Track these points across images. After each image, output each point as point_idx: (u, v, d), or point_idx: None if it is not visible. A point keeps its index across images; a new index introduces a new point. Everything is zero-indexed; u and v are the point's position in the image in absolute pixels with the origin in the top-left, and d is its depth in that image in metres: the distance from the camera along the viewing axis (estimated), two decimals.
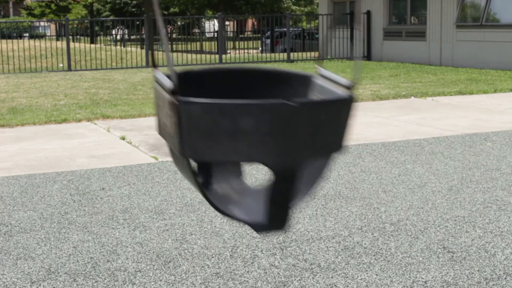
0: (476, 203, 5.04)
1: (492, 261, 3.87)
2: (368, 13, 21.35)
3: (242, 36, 36.84)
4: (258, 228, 1.82)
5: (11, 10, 61.51)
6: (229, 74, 2.01)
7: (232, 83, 1.99)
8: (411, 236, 4.32)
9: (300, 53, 23.38)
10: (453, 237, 4.28)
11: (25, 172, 6.32)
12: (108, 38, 32.88)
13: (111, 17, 40.59)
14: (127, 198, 5.34)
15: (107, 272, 3.79)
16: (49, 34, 37.02)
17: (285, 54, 21.84)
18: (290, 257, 3.97)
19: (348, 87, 1.79)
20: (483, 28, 17.52)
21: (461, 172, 6.05)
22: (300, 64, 20.23)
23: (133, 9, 44.38)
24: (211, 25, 45.90)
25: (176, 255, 4.03)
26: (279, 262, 3.88)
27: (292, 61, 20.94)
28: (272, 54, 25.77)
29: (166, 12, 43.78)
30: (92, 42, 26.65)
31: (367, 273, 3.71)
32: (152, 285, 3.60)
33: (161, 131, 1.75)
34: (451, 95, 11.96)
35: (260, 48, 30.66)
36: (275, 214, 1.79)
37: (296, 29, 33.84)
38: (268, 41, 31.83)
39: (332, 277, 3.66)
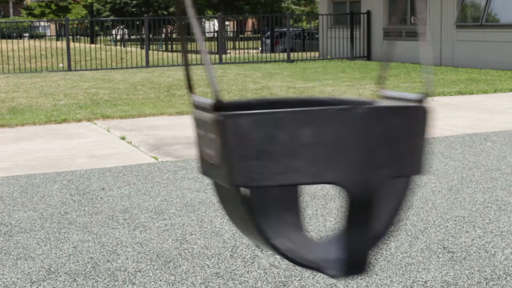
0: (476, 203, 5.04)
1: (492, 261, 3.87)
2: (368, 13, 21.34)
3: (242, 36, 36.84)
4: (335, 272, 1.57)
5: (11, 10, 61.52)
6: (281, 104, 1.69)
7: None
8: (411, 236, 4.32)
9: (300, 53, 23.38)
10: (453, 237, 4.28)
11: (25, 172, 6.32)
12: (108, 38, 32.88)
13: (111, 17, 40.60)
14: (127, 198, 5.34)
15: (107, 272, 3.79)
16: (49, 34, 37.02)
17: (285, 54, 21.84)
18: None
19: (420, 101, 1.58)
20: (483, 28, 17.52)
21: (461, 172, 6.05)
22: (300, 64, 20.23)
23: (133, 9, 44.38)
24: (211, 25, 45.91)
25: (176, 255, 4.03)
26: (279, 262, 3.88)
27: (292, 61, 20.93)
28: (272, 54, 25.77)
29: (166, 12, 43.79)
30: (92, 42, 26.65)
31: (367, 273, 3.70)
32: (152, 285, 3.60)
33: (204, 167, 1.47)
34: (451, 95, 11.96)
35: (260, 48, 30.65)
36: (353, 251, 1.54)
37: (296, 29, 33.84)
38: (268, 41, 31.83)
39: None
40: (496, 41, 17.18)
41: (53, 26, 45.68)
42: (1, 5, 59.65)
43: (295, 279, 3.64)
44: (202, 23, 45.11)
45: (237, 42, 30.41)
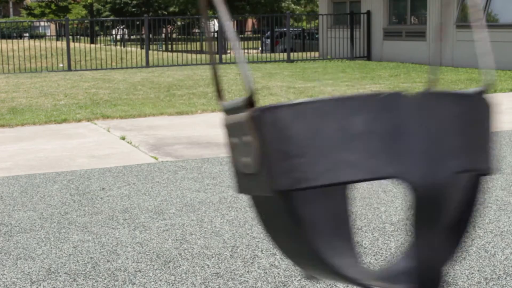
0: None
1: (492, 261, 3.87)
2: (368, 13, 21.34)
3: (242, 36, 36.84)
4: None
5: (11, 10, 61.52)
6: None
7: None
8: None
9: (300, 53, 23.38)
10: None
11: (25, 172, 6.32)
12: (108, 38, 32.88)
13: (111, 17, 40.61)
14: (127, 198, 5.34)
15: (107, 272, 3.79)
16: (49, 34, 37.02)
17: (285, 54, 21.84)
18: None
19: (481, 93, 1.37)
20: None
21: None
22: (300, 64, 20.23)
23: (133, 9, 44.38)
24: (211, 25, 45.91)
25: (176, 255, 4.03)
26: (279, 262, 3.88)
27: (292, 61, 20.93)
28: (272, 54, 25.77)
29: (166, 12, 43.79)
30: (92, 42, 26.65)
31: None
32: (152, 285, 3.60)
33: (241, 182, 1.27)
34: None
35: (260, 48, 30.65)
36: (425, 262, 1.39)
37: (296, 29, 33.85)
38: (268, 41, 31.83)
39: None
40: (496, 41, 17.18)
41: (53, 26, 45.68)
42: (1, 5, 59.65)
43: (295, 279, 3.64)
44: (202, 23, 45.09)
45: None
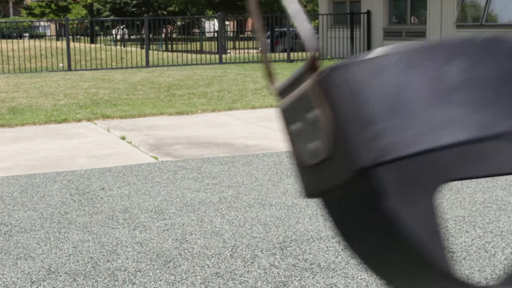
0: (476, 203, 5.04)
1: (492, 261, 3.87)
2: (368, 13, 21.34)
3: (242, 36, 36.84)
4: None
5: (11, 10, 61.53)
6: None
7: None
8: None
9: (300, 53, 23.39)
10: (453, 237, 4.28)
11: (25, 172, 6.32)
12: (108, 38, 32.89)
13: (111, 17, 40.61)
14: (127, 198, 5.34)
15: (107, 272, 3.79)
16: (49, 34, 37.02)
17: (285, 54, 21.84)
18: (290, 257, 3.97)
19: None
20: (483, 28, 17.52)
21: None
22: (300, 64, 20.23)
23: (133, 9, 44.39)
24: (211, 25, 45.91)
25: (176, 255, 4.03)
26: (279, 262, 3.88)
27: (292, 61, 20.93)
28: (272, 54, 25.77)
29: (166, 12, 43.79)
30: (92, 42, 26.65)
31: (367, 273, 3.71)
32: (152, 285, 3.60)
33: (308, 181, 1.01)
34: None
35: (260, 48, 30.62)
36: None
37: (296, 29, 33.82)
38: (268, 41, 31.83)
39: (332, 277, 3.66)
40: None
41: (53, 26, 45.68)
42: (1, 5, 59.65)
43: (295, 279, 3.64)
44: (202, 22, 45.12)
45: (237, 42, 30.42)
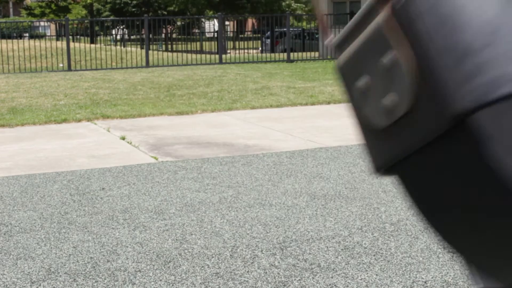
0: None
1: None
2: None
3: (242, 36, 36.85)
4: None
5: (11, 10, 61.53)
6: None
7: None
8: (411, 236, 4.32)
9: (300, 53, 23.39)
10: None
11: (25, 172, 6.32)
12: (108, 38, 32.90)
13: (111, 17, 40.61)
14: (127, 198, 5.34)
15: (107, 272, 3.79)
16: (49, 34, 37.02)
17: (285, 54, 21.84)
18: (290, 257, 3.97)
19: None
20: None
21: None
22: (300, 64, 20.23)
23: (133, 9, 44.40)
24: (211, 25, 45.91)
25: (176, 255, 4.03)
26: (279, 262, 3.88)
27: (292, 61, 20.94)
28: (272, 54, 25.77)
29: (166, 12, 43.78)
30: (92, 42, 26.66)
31: (367, 273, 3.71)
32: (152, 285, 3.60)
33: (383, 146, 0.80)
34: None
35: (260, 48, 30.66)
36: None
37: (296, 29, 33.86)
38: (268, 41, 31.83)
39: (332, 277, 3.66)
40: None
41: (53, 26, 45.69)
42: (1, 5, 59.65)
43: (295, 279, 3.64)
44: (202, 23, 45.13)
45: (237, 42, 30.42)
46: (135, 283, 3.62)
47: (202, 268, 3.82)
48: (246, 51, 25.87)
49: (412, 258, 3.93)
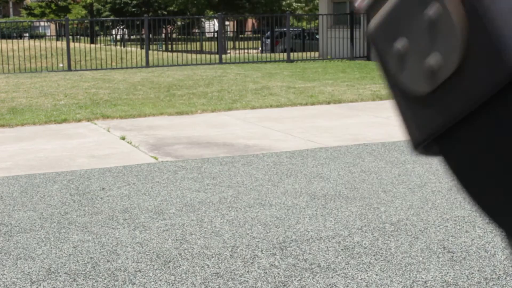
0: None
1: (492, 261, 3.87)
2: None
3: (242, 36, 36.85)
4: None
5: (11, 10, 61.53)
6: None
7: None
8: (411, 236, 4.32)
9: (300, 53, 23.38)
10: (453, 237, 4.28)
11: (25, 172, 6.32)
12: (108, 38, 32.90)
13: (111, 17, 40.61)
14: (127, 198, 5.34)
15: (107, 272, 3.79)
16: (49, 34, 37.02)
17: (285, 54, 21.84)
18: (290, 257, 3.97)
19: None
20: None
21: None
22: (300, 64, 20.23)
23: (133, 9, 44.40)
24: (211, 25, 45.92)
25: (176, 255, 4.03)
26: (279, 262, 3.88)
27: (292, 61, 20.94)
28: (272, 54, 25.77)
29: (166, 12, 43.77)
30: (92, 42, 26.66)
31: (367, 273, 3.71)
32: (152, 285, 3.60)
33: (424, 115, 0.70)
34: None
35: (260, 48, 30.66)
36: None
37: (296, 29, 33.86)
38: (268, 41, 31.83)
39: (332, 277, 3.66)
40: None
41: (53, 26, 45.68)
42: (1, 5, 59.65)
43: (295, 279, 3.64)
44: (202, 23, 45.12)
45: (237, 42, 30.42)
46: (135, 283, 3.62)
47: (202, 268, 3.82)
48: (246, 51, 25.87)
49: (412, 258, 3.93)
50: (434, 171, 6.10)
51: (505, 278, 3.63)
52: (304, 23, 45.74)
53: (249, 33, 41.91)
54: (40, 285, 3.63)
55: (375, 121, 9.10)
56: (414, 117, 0.71)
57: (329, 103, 11.14)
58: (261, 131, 8.44)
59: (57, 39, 25.28)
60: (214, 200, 5.22)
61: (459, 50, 0.63)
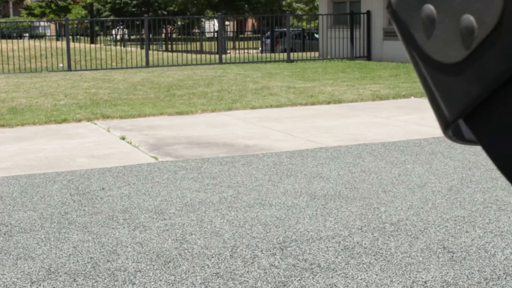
0: (476, 203, 5.04)
1: (492, 261, 3.87)
2: (368, 13, 21.34)
3: (242, 36, 36.84)
4: None
5: (11, 10, 61.52)
6: None
7: None
8: (411, 236, 4.32)
9: (300, 53, 23.38)
10: (453, 237, 4.28)
11: (25, 172, 6.32)
12: (108, 38, 32.89)
13: (111, 17, 40.60)
14: (127, 198, 5.34)
15: (107, 272, 3.79)
16: (49, 34, 37.02)
17: (285, 54, 21.84)
18: (290, 257, 3.97)
19: None
20: None
21: (461, 172, 6.05)
22: (300, 64, 20.23)
23: (133, 9, 44.39)
24: (211, 25, 45.91)
25: (176, 255, 4.03)
26: (279, 262, 3.88)
27: (292, 61, 20.93)
28: (272, 54, 25.77)
29: (166, 12, 43.77)
30: (92, 42, 26.66)
31: (367, 273, 3.71)
32: (152, 285, 3.60)
33: (457, 84, 0.63)
34: None
35: (260, 48, 30.65)
36: None
37: (296, 29, 33.85)
38: (268, 41, 31.83)
39: (332, 277, 3.66)
40: None
41: (53, 26, 45.68)
42: (1, 5, 59.65)
43: (295, 279, 3.64)
44: (202, 23, 45.10)
45: (237, 42, 30.41)
46: (135, 283, 3.62)
47: (202, 268, 3.82)
48: (246, 51, 25.87)
49: (412, 258, 3.93)
50: (434, 171, 6.10)
51: (505, 278, 3.63)
52: (304, 23, 45.72)
53: (249, 33, 41.91)
54: (40, 285, 3.63)
55: (375, 121, 9.10)
56: (444, 92, 0.64)
57: (329, 103, 11.14)
58: (261, 131, 8.44)
59: (57, 39, 25.28)
60: (214, 200, 5.22)
61: (496, 5, 0.58)
